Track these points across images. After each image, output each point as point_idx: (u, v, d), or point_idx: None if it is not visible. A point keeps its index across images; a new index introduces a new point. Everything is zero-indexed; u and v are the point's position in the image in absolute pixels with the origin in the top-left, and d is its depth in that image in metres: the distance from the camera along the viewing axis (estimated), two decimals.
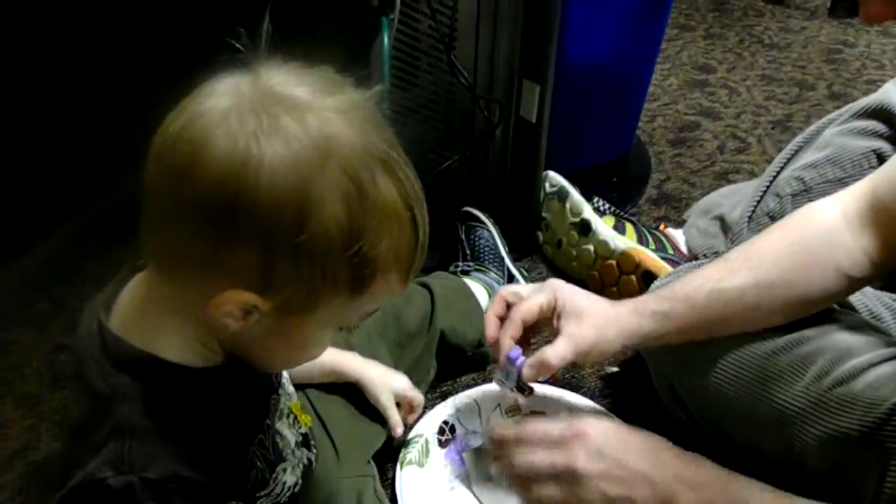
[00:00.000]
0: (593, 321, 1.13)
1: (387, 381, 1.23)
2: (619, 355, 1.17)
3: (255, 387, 0.90)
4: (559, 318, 1.13)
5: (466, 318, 1.43)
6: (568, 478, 0.93)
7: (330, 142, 0.68)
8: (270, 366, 0.86)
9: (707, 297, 1.13)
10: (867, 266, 1.09)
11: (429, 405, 1.38)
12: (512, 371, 1.15)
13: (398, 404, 1.24)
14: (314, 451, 1.04)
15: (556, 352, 1.09)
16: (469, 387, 1.42)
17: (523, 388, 1.17)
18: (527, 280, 1.55)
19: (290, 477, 0.95)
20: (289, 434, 0.95)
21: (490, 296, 1.50)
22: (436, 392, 1.42)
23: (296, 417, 1.00)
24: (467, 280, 1.53)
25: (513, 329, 1.15)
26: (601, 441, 0.94)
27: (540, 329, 1.20)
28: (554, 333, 1.14)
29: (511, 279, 1.53)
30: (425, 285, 1.40)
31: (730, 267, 1.16)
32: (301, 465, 0.98)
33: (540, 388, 1.32)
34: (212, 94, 0.69)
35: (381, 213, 0.70)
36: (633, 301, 1.18)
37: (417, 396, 1.26)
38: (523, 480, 0.97)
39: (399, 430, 1.22)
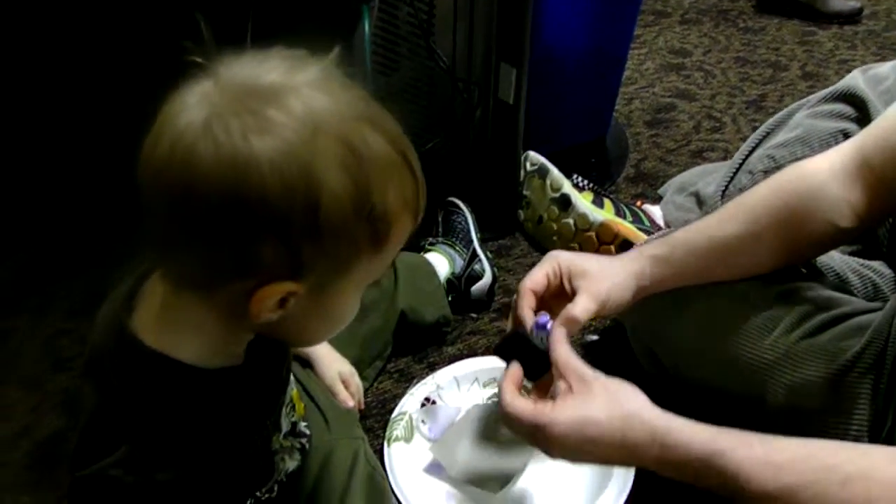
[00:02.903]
0: (601, 272, 1.15)
1: (333, 361, 1.27)
2: (629, 304, 1.19)
3: (268, 386, 0.92)
4: (570, 280, 1.15)
5: (427, 299, 1.47)
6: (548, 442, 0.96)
7: (316, 117, 0.68)
8: (310, 341, 0.89)
9: (706, 245, 1.18)
10: (852, 217, 1.14)
11: (417, 376, 1.44)
12: (543, 337, 1.13)
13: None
14: (307, 432, 1.06)
15: (579, 306, 1.10)
16: (454, 357, 1.47)
17: None
18: (490, 262, 1.60)
19: (291, 463, 0.99)
20: (284, 425, 0.98)
21: (451, 267, 1.55)
22: (423, 363, 1.48)
23: (293, 406, 1.02)
24: (432, 251, 1.57)
25: (527, 300, 1.14)
26: (568, 444, 0.94)
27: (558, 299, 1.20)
28: (571, 295, 1.15)
29: (473, 259, 1.57)
30: None
31: (725, 217, 1.21)
32: (296, 451, 1.02)
33: None
34: (183, 109, 0.68)
35: (380, 167, 0.72)
36: (631, 250, 1.23)
37: (357, 382, 1.29)
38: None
39: (350, 404, 1.25)
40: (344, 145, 0.69)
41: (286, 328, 0.79)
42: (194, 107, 0.68)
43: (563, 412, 0.94)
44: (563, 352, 1.01)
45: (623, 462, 0.96)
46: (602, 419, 0.93)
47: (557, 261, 1.15)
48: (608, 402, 0.95)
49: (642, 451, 0.92)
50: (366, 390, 1.40)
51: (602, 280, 1.14)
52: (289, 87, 0.69)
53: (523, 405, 0.98)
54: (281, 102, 0.68)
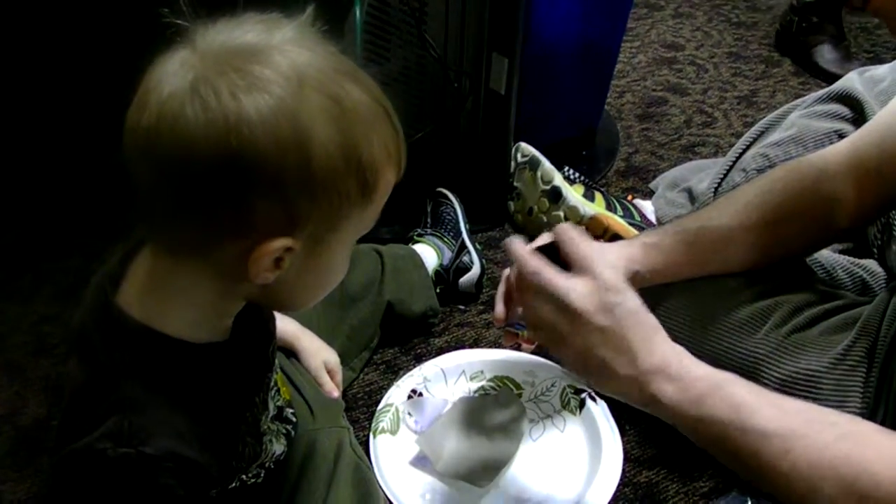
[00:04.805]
0: (595, 249, 1.12)
1: (319, 351, 1.25)
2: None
3: (254, 363, 0.92)
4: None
5: (414, 290, 1.46)
6: (565, 311, 0.96)
7: (300, 72, 0.70)
8: (302, 303, 0.87)
9: (696, 234, 1.18)
10: (845, 217, 1.16)
11: (403, 367, 1.43)
12: None
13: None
14: (293, 419, 1.06)
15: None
16: (442, 349, 1.47)
17: None
18: (479, 254, 1.59)
19: (277, 446, 0.99)
20: (271, 407, 0.98)
21: (439, 258, 1.54)
22: (410, 355, 1.47)
23: (278, 390, 1.02)
24: (420, 242, 1.56)
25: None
26: (617, 300, 0.95)
27: None
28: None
29: (461, 251, 1.56)
30: (377, 252, 1.44)
31: (716, 209, 1.22)
32: (282, 435, 1.01)
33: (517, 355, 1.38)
34: (165, 77, 0.69)
35: (363, 117, 0.73)
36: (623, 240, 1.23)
37: (340, 375, 1.27)
38: (525, 290, 1.01)
39: (335, 394, 1.23)
40: (329, 98, 0.71)
41: (279, 290, 0.80)
42: (177, 73, 0.69)
43: (583, 283, 0.96)
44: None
45: (629, 360, 0.94)
46: (624, 296, 0.96)
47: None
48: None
49: (654, 346, 0.93)
50: (352, 381, 1.39)
51: (595, 255, 1.13)
52: (269, 45, 0.70)
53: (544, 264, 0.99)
54: (265, 59, 0.69)
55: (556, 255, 1.04)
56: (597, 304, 0.95)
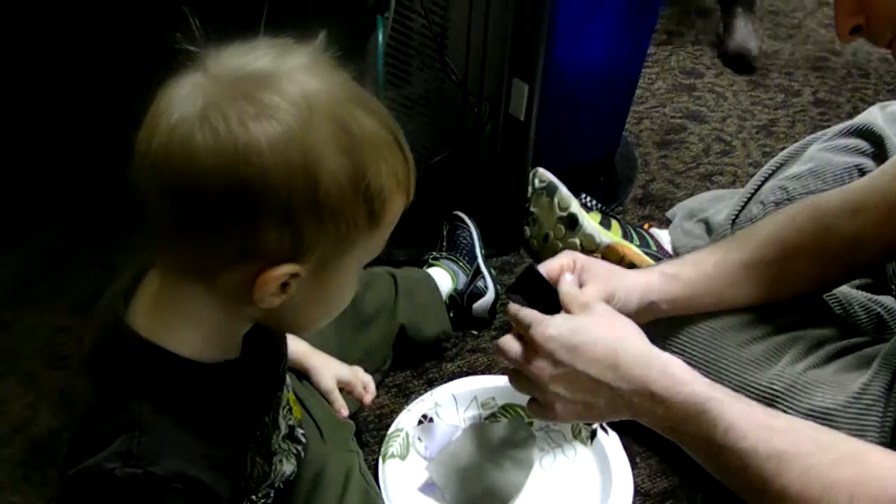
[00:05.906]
0: (610, 273, 1.16)
1: (329, 367, 1.25)
2: (640, 317, 1.14)
3: (265, 382, 0.92)
4: (580, 275, 1.14)
5: (427, 313, 1.46)
6: (529, 377, 0.99)
7: (311, 99, 0.70)
8: (309, 326, 0.88)
9: (714, 266, 1.18)
10: (863, 254, 1.16)
11: (415, 391, 1.43)
12: None
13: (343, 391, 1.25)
14: (304, 440, 1.06)
15: (587, 293, 1.09)
16: (454, 374, 1.47)
17: None
18: (493, 280, 1.58)
19: (287, 466, 0.99)
20: (282, 426, 0.98)
21: (454, 283, 1.53)
22: (422, 379, 1.47)
23: (290, 408, 1.02)
24: (435, 266, 1.55)
25: None
26: (556, 347, 0.97)
27: None
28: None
29: (476, 276, 1.56)
30: (391, 275, 1.44)
31: (735, 243, 1.22)
32: (293, 455, 1.01)
33: None
34: (176, 101, 0.69)
35: (372, 145, 0.73)
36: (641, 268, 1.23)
37: (364, 377, 1.27)
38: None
39: (344, 412, 1.22)
40: (339, 126, 0.71)
41: (286, 314, 0.80)
42: (187, 98, 0.69)
43: (559, 319, 0.99)
44: (570, 287, 1.05)
45: (609, 389, 0.95)
46: (595, 331, 0.97)
47: (573, 256, 1.15)
48: (608, 321, 0.99)
49: (636, 375, 0.93)
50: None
51: (610, 279, 1.14)
52: (280, 72, 0.71)
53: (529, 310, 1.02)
54: (275, 86, 0.69)
55: (540, 280, 1.07)
56: (546, 356, 0.97)
